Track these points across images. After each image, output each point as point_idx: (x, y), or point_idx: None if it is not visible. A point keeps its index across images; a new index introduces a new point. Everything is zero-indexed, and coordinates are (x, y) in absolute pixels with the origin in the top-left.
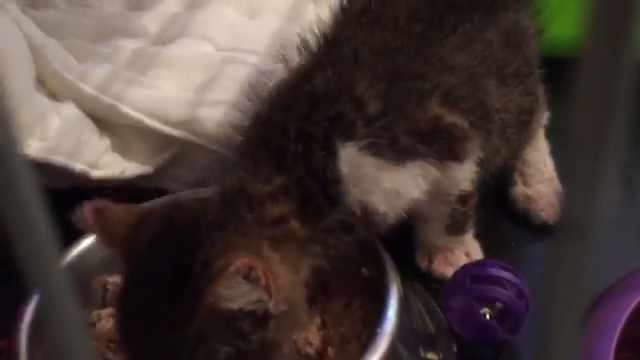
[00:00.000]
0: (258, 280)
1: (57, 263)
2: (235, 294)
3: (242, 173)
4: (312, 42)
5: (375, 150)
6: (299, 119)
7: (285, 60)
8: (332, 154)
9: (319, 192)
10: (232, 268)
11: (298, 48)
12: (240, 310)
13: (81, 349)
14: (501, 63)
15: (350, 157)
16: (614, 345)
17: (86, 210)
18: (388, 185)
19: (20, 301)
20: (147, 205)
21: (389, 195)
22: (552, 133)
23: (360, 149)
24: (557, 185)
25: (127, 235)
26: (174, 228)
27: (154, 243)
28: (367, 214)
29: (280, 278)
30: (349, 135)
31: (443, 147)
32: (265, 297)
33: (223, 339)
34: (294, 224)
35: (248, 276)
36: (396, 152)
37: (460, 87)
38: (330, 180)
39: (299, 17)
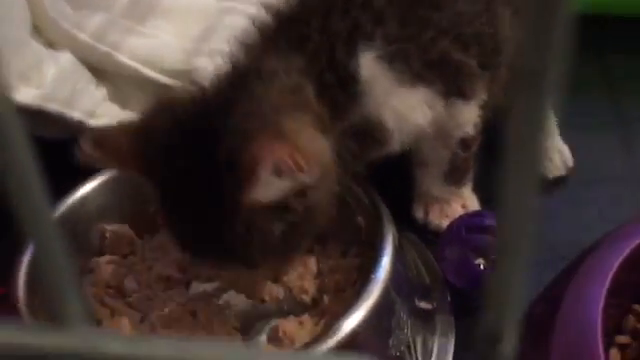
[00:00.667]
0: (290, 169)
1: (48, 213)
2: (270, 191)
3: (258, 51)
4: None
5: (390, 62)
6: (322, 17)
7: None
8: (353, 53)
9: (337, 85)
10: (261, 172)
11: None
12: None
13: (72, 294)
14: None
15: (368, 61)
16: (605, 289)
17: (85, 144)
18: (397, 104)
19: (18, 250)
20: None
21: (397, 114)
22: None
23: (378, 56)
24: (557, 140)
25: (135, 151)
26: (182, 127)
27: (167, 149)
28: (378, 127)
29: (306, 146)
30: (370, 41)
31: (451, 81)
32: (299, 176)
33: (272, 220)
34: (310, 95)
35: (279, 170)
36: (409, 71)
37: (473, 20)
38: (350, 76)
39: None
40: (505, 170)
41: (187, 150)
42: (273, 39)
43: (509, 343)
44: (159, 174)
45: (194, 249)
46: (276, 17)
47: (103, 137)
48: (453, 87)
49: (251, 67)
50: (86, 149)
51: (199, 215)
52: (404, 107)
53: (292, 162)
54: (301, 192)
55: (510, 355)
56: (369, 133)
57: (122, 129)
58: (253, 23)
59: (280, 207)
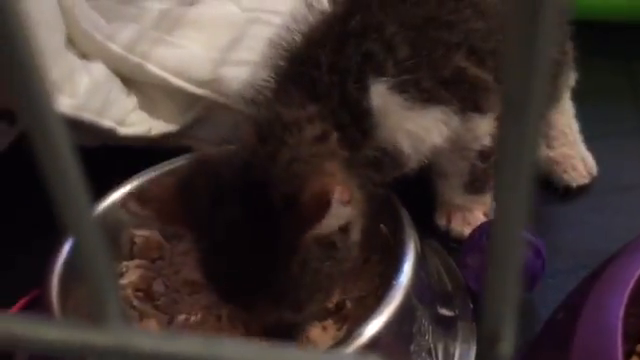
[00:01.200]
0: (346, 200)
1: (89, 213)
2: (333, 220)
3: (276, 105)
4: None
5: (402, 90)
6: (332, 54)
7: (314, 8)
8: (364, 88)
9: (352, 123)
10: (334, 198)
11: None
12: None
13: (111, 293)
14: None
15: (380, 93)
16: (625, 299)
17: (131, 204)
18: (412, 127)
19: (50, 254)
20: (170, 167)
21: (413, 138)
22: (578, 96)
23: (389, 87)
24: (581, 149)
25: (181, 207)
26: (223, 179)
27: (211, 202)
28: (394, 153)
29: (347, 184)
30: (380, 72)
31: (466, 97)
32: (348, 210)
33: (323, 257)
34: (335, 142)
35: (342, 200)
36: (421, 94)
37: (488, 36)
38: (363, 112)
39: None
40: (496, 193)
41: (233, 202)
42: (285, 87)
43: (508, 343)
44: (202, 226)
45: (241, 298)
46: (285, 58)
47: (147, 195)
48: (469, 103)
49: (272, 119)
50: (133, 208)
51: (249, 260)
52: (419, 130)
53: (345, 194)
54: (345, 228)
55: (509, 355)
56: (387, 158)
57: (165, 186)
58: (263, 69)
59: (329, 245)
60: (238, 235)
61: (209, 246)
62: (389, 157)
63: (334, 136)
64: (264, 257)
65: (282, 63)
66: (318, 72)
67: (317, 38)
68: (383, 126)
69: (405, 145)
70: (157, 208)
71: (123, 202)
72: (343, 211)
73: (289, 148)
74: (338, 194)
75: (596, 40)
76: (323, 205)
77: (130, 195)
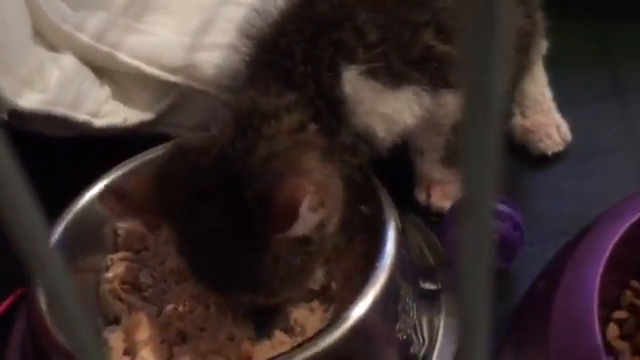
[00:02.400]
0: (317, 205)
1: (46, 243)
2: (305, 225)
3: (252, 92)
4: None
5: (373, 75)
6: (304, 43)
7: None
8: (337, 76)
9: (328, 112)
10: (303, 206)
11: None
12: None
13: (78, 318)
14: None
15: (352, 79)
16: (602, 266)
17: (106, 201)
18: (385, 110)
19: None
20: (149, 157)
21: (386, 120)
22: (550, 63)
23: (360, 73)
24: (555, 116)
25: (157, 199)
26: (201, 171)
27: (190, 195)
28: (368, 137)
29: (323, 182)
30: (351, 59)
31: (436, 75)
32: (322, 211)
33: (296, 252)
34: (314, 131)
35: (312, 206)
36: (392, 77)
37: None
38: (337, 100)
39: None
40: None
41: (210, 194)
42: (260, 75)
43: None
44: (181, 219)
45: (219, 286)
46: (258, 48)
47: (122, 190)
48: (439, 80)
49: (250, 108)
50: (107, 205)
51: (226, 254)
52: (392, 112)
53: (317, 196)
54: (320, 224)
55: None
56: (361, 144)
57: (142, 179)
58: (236, 55)
59: (302, 239)
60: (216, 230)
61: (188, 239)
62: (364, 141)
63: (312, 126)
64: (239, 251)
65: (255, 50)
66: (292, 62)
67: (289, 26)
68: (357, 112)
69: (379, 128)
70: (134, 203)
71: (101, 197)
72: (312, 217)
73: (266, 141)
74: (308, 201)
75: (565, 4)
76: (292, 214)
77: (107, 191)
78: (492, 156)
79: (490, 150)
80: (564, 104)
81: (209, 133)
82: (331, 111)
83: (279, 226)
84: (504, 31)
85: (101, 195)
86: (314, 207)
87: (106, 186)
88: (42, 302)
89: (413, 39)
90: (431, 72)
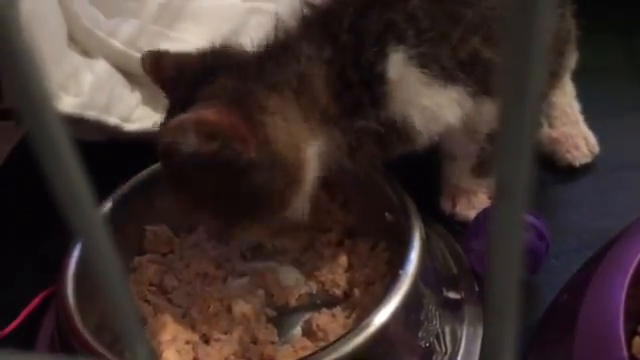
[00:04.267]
0: (219, 134)
1: (95, 214)
2: (186, 143)
3: (299, 37)
4: None
5: (421, 63)
6: (355, 15)
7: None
8: (383, 54)
9: (361, 86)
10: (177, 121)
11: None
12: (207, 154)
13: (120, 291)
14: None
15: (398, 62)
16: (628, 280)
17: (146, 57)
18: (427, 103)
19: (64, 253)
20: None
21: (426, 114)
22: (579, 76)
23: (409, 58)
24: (583, 128)
25: (171, 78)
26: (203, 67)
27: (184, 82)
28: (404, 128)
29: (275, 129)
30: (401, 41)
31: (480, 80)
32: (239, 146)
33: (205, 171)
34: (323, 95)
35: (201, 129)
36: (439, 72)
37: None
38: (376, 77)
39: None
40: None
41: (191, 84)
42: (309, 29)
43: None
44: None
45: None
46: (313, 10)
47: (161, 56)
48: (482, 86)
49: (289, 45)
50: (144, 65)
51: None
52: (435, 107)
53: (231, 131)
54: (246, 166)
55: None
56: (394, 132)
57: (178, 56)
58: (292, 14)
59: (213, 164)
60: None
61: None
62: (397, 132)
63: (319, 81)
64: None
65: (309, 13)
66: (339, 28)
67: (339, 7)
68: (397, 97)
69: (417, 120)
70: (159, 70)
71: (142, 57)
72: (196, 141)
73: (264, 72)
74: (194, 117)
75: (595, 17)
76: (180, 124)
77: (150, 54)
78: (526, 160)
79: (524, 153)
80: (592, 116)
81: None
82: (365, 87)
83: (163, 129)
84: (543, 36)
85: (143, 55)
86: (209, 134)
87: (135, 185)
88: (71, 301)
89: (462, 39)
90: (476, 76)
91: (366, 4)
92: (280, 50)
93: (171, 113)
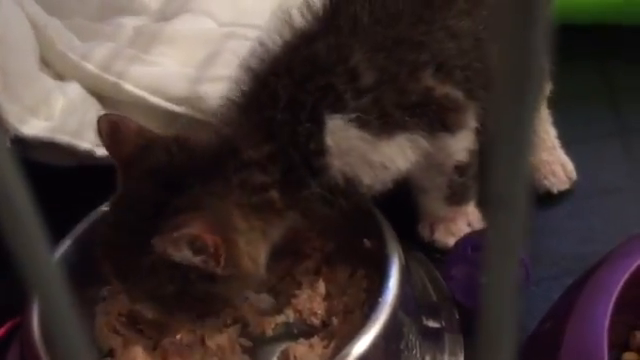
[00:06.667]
0: (205, 249)
1: (51, 268)
2: (178, 254)
3: (238, 133)
4: (316, 5)
5: (362, 123)
6: (291, 87)
7: (289, 24)
8: (319, 125)
9: (302, 163)
10: (176, 234)
11: (301, 12)
12: (187, 264)
13: (75, 341)
14: None
15: (337, 129)
16: (611, 307)
17: (103, 122)
18: (374, 158)
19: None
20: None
21: (375, 167)
22: (555, 102)
23: (347, 122)
24: (560, 154)
25: (131, 155)
26: (170, 164)
27: (148, 172)
28: (351, 185)
29: (238, 248)
30: (337, 107)
31: (433, 119)
32: (212, 263)
33: (171, 279)
34: (274, 194)
35: (194, 243)
36: (384, 125)
37: (459, 55)
38: (314, 151)
39: None
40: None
41: (156, 184)
42: (247, 118)
43: None
44: (127, 186)
45: (113, 259)
46: (252, 83)
47: (121, 124)
48: (437, 123)
49: (230, 149)
50: (101, 127)
51: (131, 235)
52: (383, 159)
53: (213, 250)
54: (210, 276)
55: None
56: (339, 193)
57: (140, 130)
58: (234, 89)
59: (184, 277)
60: (134, 213)
61: (117, 202)
62: (341, 192)
63: (275, 190)
64: (135, 243)
65: (249, 85)
66: (275, 109)
67: (282, 65)
68: (336, 165)
69: (365, 177)
70: (116, 140)
71: (99, 120)
72: (190, 254)
73: (228, 186)
74: (190, 239)
75: (568, 43)
76: (172, 230)
77: (106, 119)
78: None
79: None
80: (568, 143)
81: (200, 143)
82: (306, 162)
83: (157, 239)
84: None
85: (100, 118)
86: (197, 249)
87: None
88: (36, 332)
89: (411, 81)
90: (429, 116)
91: (305, 73)
92: (229, 153)
93: (134, 203)
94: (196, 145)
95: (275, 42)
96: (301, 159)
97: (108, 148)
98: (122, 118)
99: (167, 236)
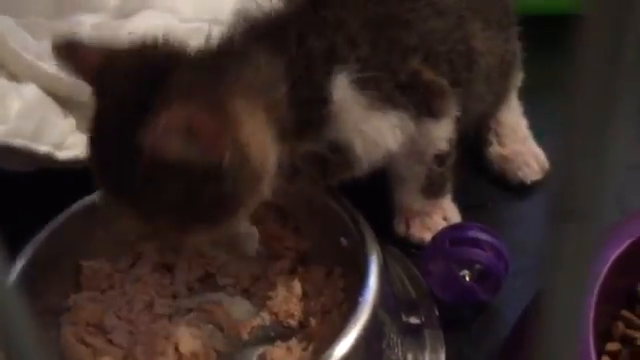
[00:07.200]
0: (202, 135)
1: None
2: (171, 148)
3: (242, 38)
4: None
5: (364, 87)
6: (300, 33)
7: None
8: (329, 75)
9: (311, 104)
10: (164, 122)
11: None
12: (185, 160)
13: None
14: (485, 9)
15: (342, 85)
16: (595, 298)
17: (57, 46)
18: (367, 128)
19: None
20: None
21: (367, 139)
22: (524, 93)
23: (350, 82)
24: (532, 145)
25: (99, 70)
26: (150, 62)
27: (124, 76)
28: (345, 151)
29: (244, 135)
30: (345, 64)
31: (420, 101)
32: (213, 153)
33: (173, 177)
34: (284, 99)
35: (189, 131)
36: (380, 96)
37: (444, 38)
38: (323, 97)
39: None
40: None
41: (135, 83)
42: (260, 37)
43: None
44: (104, 97)
45: (107, 181)
46: (259, 21)
47: (78, 46)
48: (423, 107)
49: (240, 49)
50: (58, 53)
51: (115, 144)
52: (374, 133)
53: (211, 137)
54: (216, 173)
55: None
56: (337, 156)
57: (99, 47)
58: (242, 15)
59: (186, 176)
60: (119, 115)
61: (96, 117)
62: (339, 155)
63: (283, 90)
64: (123, 147)
65: (259, 19)
66: (288, 42)
67: (288, 18)
68: (339, 118)
69: (358, 146)
70: (78, 59)
71: (54, 44)
72: (184, 145)
73: (227, 75)
74: (180, 121)
75: (539, 34)
76: (160, 129)
77: (63, 41)
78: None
79: None
80: (540, 134)
81: (185, 46)
82: (314, 105)
83: (143, 135)
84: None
85: (55, 43)
86: (197, 140)
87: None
88: None
89: (401, 62)
90: (416, 99)
91: (307, 25)
92: (234, 54)
93: (117, 112)
94: (177, 47)
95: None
96: (310, 100)
97: (69, 65)
98: (80, 40)
99: (154, 128)
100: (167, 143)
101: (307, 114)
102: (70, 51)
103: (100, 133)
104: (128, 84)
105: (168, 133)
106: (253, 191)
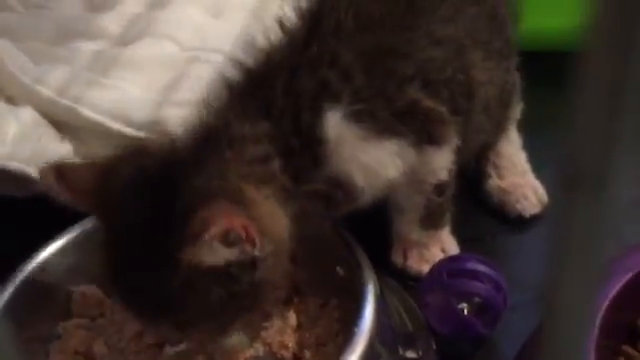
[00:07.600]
0: (238, 239)
1: None
2: (214, 255)
3: (229, 114)
4: (294, 18)
5: (358, 119)
6: (288, 77)
7: (267, 39)
8: (319, 114)
9: (302, 151)
10: (206, 236)
11: (280, 25)
12: (224, 263)
13: None
14: (486, 38)
15: (335, 122)
16: (596, 331)
17: (46, 174)
18: (367, 159)
19: None
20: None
21: (367, 171)
22: (523, 126)
23: (344, 116)
24: (531, 178)
25: (96, 189)
26: (148, 170)
27: (128, 193)
28: (347, 186)
29: (264, 219)
30: (335, 99)
31: (421, 129)
32: (249, 248)
33: (211, 284)
34: (277, 167)
35: (226, 238)
36: (377, 126)
37: (442, 67)
38: (315, 140)
39: (265, 15)
40: None
41: (145, 197)
42: (240, 101)
43: None
44: (112, 217)
45: (130, 300)
46: (243, 75)
47: (66, 169)
48: (423, 135)
49: (220, 128)
50: (47, 179)
51: (141, 263)
52: (374, 163)
53: (244, 234)
54: (251, 265)
55: None
56: (339, 190)
57: (87, 165)
58: (221, 79)
59: (224, 273)
60: (137, 233)
61: (110, 238)
62: (341, 190)
63: (276, 160)
64: (154, 262)
65: (239, 79)
66: (273, 93)
67: (276, 60)
68: (336, 156)
69: (358, 178)
70: (73, 185)
71: (41, 171)
72: (223, 249)
73: (220, 162)
74: (220, 230)
75: (539, 69)
76: (196, 237)
77: (49, 167)
78: None
79: None
80: (539, 167)
81: (166, 138)
82: (307, 151)
83: (183, 246)
84: None
85: (42, 169)
86: (235, 241)
87: (65, 244)
88: None
89: (398, 91)
90: (416, 126)
91: (298, 65)
92: (224, 135)
93: (134, 234)
94: (171, 142)
95: (266, 45)
96: (302, 146)
97: (62, 190)
98: (65, 163)
99: (197, 243)
100: (211, 254)
101: (303, 160)
102: (59, 175)
103: (122, 258)
104: (135, 201)
105: (211, 245)
106: (279, 265)
